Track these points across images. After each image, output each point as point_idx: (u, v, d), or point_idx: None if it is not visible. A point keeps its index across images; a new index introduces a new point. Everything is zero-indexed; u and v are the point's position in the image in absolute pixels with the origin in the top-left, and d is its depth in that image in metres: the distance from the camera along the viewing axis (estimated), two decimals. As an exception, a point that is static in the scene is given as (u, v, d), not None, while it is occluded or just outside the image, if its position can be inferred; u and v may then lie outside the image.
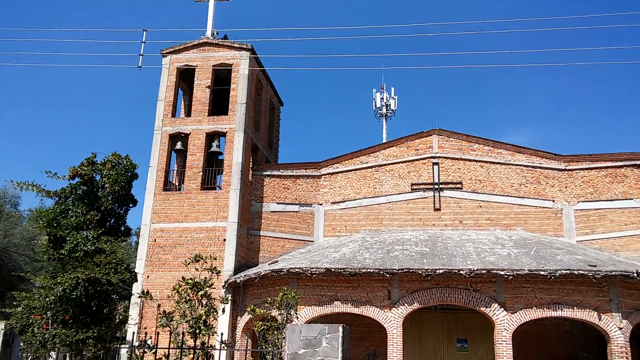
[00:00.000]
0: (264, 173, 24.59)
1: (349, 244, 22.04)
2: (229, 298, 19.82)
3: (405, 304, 18.85)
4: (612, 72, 68.64)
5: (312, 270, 18.94)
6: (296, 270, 19.13)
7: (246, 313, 19.99)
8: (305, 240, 24.08)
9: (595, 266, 18.05)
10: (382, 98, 41.42)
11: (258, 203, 24.09)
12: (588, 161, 23.10)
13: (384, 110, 41.28)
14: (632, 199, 22.18)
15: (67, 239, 16.71)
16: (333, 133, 77.84)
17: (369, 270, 18.63)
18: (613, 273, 17.61)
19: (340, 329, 9.48)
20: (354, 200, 24.42)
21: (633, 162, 22.39)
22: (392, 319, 18.74)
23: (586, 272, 17.57)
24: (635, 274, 17.60)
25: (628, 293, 18.38)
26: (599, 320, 17.89)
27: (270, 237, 23.73)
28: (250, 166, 24.55)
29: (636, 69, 68.20)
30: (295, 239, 23.96)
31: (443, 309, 21.87)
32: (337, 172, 24.96)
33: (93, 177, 17.37)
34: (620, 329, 17.72)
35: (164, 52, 25.18)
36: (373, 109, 41.93)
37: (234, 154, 23.14)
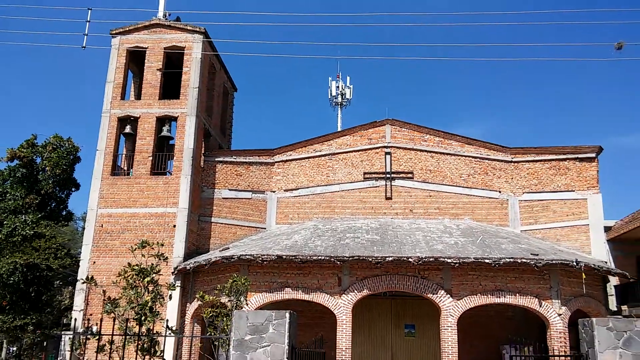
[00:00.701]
0: (217, 159, 24.28)
1: (301, 232, 22.09)
2: (177, 285, 19.59)
3: (355, 291, 19.08)
4: (558, 69, 70.96)
5: (263, 257, 18.90)
6: (247, 257, 19.05)
7: (195, 300, 19.79)
8: (258, 228, 23.98)
9: (537, 255, 18.71)
10: (338, 87, 41.47)
11: (210, 189, 23.80)
12: (533, 154, 23.85)
13: (339, 99, 41.37)
14: (573, 190, 23.04)
15: (5, 222, 16.09)
16: (288, 121, 77.60)
17: (320, 257, 18.74)
18: (554, 262, 18.31)
19: (287, 315, 9.52)
20: (307, 188, 24.46)
21: (575, 156, 23.24)
22: (342, 306, 18.94)
23: (529, 261, 18.19)
24: (574, 263, 18.34)
25: (567, 281, 19.15)
26: (540, 306, 18.58)
27: (222, 223, 23.52)
28: (202, 152, 24.20)
29: (584, 67, 70.71)
30: (248, 226, 23.83)
31: (392, 295, 22.25)
32: (291, 160, 24.91)
33: (33, 160, 16.73)
34: (560, 315, 18.46)
35: (113, 32, 24.41)
36: (328, 98, 41.99)
37: (186, 139, 22.75)
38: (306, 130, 78.30)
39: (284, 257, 18.86)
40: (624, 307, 21.34)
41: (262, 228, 24.02)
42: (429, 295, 18.99)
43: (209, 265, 19.82)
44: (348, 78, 42.37)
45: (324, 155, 24.74)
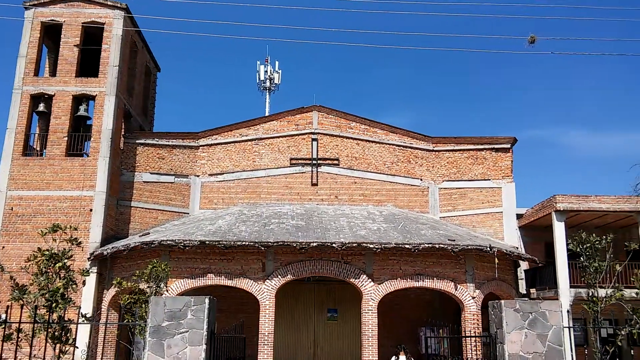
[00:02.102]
0: (138, 141, 23.43)
1: (226, 217, 21.81)
2: (92, 271, 18.86)
3: (279, 276, 19.12)
4: (478, 61, 73.77)
5: (185, 242, 18.52)
6: (168, 242, 18.60)
7: (113, 286, 19.12)
8: (180, 212, 23.44)
9: (454, 241, 19.48)
10: (267, 71, 41.03)
11: (130, 172, 22.96)
12: (453, 143, 24.72)
13: (268, 83, 40.96)
14: (489, 179, 24.12)
15: None
16: (214, 104, 76.01)
17: (244, 243, 18.60)
18: (469, 247, 19.12)
19: (207, 300, 9.36)
20: (233, 172, 24.13)
21: (492, 146, 24.31)
22: (265, 291, 18.93)
23: (446, 246, 18.90)
24: (488, 248, 19.25)
25: (481, 265, 20.08)
26: (456, 290, 19.38)
27: (143, 208, 22.79)
28: (123, 133, 23.27)
29: (504, 60, 73.90)
30: (170, 211, 23.23)
31: (316, 280, 22.48)
32: (216, 144, 24.45)
33: None
34: (474, 298, 19.35)
35: (27, 4, 22.88)
36: (257, 82, 41.50)
37: (104, 120, 21.77)
38: (233, 115, 77.00)
39: (207, 242, 18.56)
40: (533, 290, 22.70)
41: (185, 213, 23.50)
42: (351, 280, 19.34)
43: (127, 251, 19.18)
44: (277, 63, 42.03)
45: (251, 140, 24.48)
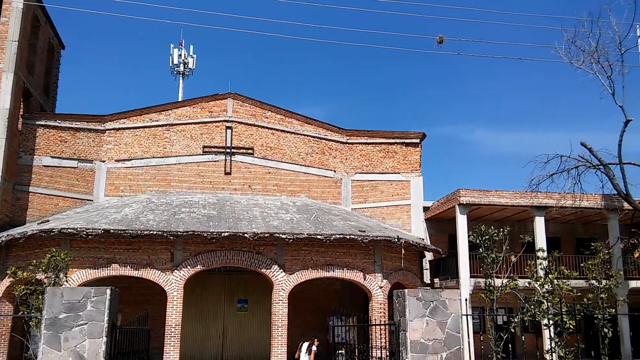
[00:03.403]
0: (38, 122, 21.96)
1: (133, 205, 21.00)
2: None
3: (189, 267, 18.70)
4: (393, 58, 75.86)
5: (88, 231, 17.64)
6: (70, 230, 17.64)
7: (7, 277, 17.87)
8: (84, 199, 22.28)
9: (364, 232, 19.93)
10: (180, 55, 39.82)
11: (28, 155, 21.50)
12: (366, 136, 25.24)
13: (182, 68, 39.79)
14: (399, 172, 24.89)
15: None
16: (123, 86, 72.71)
17: (152, 232, 18.01)
18: (378, 238, 19.65)
19: (108, 291, 8.98)
20: (142, 159, 23.24)
21: (402, 140, 25.08)
22: (173, 282, 18.46)
23: (356, 237, 19.30)
24: (396, 239, 19.87)
25: (390, 256, 20.70)
26: (364, 280, 19.86)
27: (42, 194, 21.43)
28: (21, 113, 21.71)
29: (415, 57, 76.38)
30: (72, 198, 22.02)
31: (227, 271, 22.22)
32: (124, 128, 23.43)
33: None
34: (381, 287, 19.92)
35: None
36: (170, 66, 40.19)
37: (1, 98, 20.19)
38: (144, 99, 74.03)
39: (111, 231, 17.79)
40: (436, 280, 23.73)
41: (89, 200, 22.37)
42: (262, 270, 19.28)
43: (24, 239, 17.98)
44: (191, 47, 40.91)
45: (162, 126, 23.68)
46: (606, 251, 19.03)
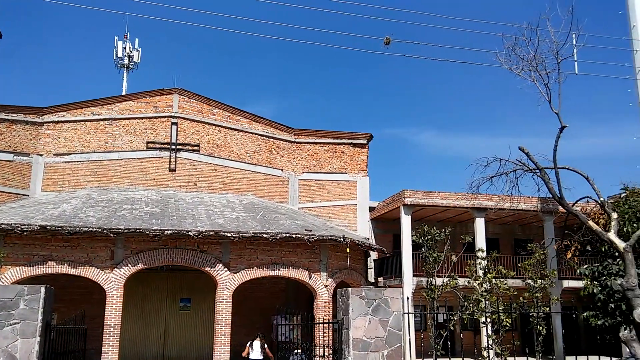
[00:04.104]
0: (-30, 113, 20.85)
1: (72, 201, 20.27)
2: None
3: (129, 265, 18.21)
4: (342, 58, 76.44)
5: (23, 227, 16.90)
6: (3, 226, 16.85)
7: None
8: (19, 194, 21.31)
9: (310, 231, 19.98)
10: (125, 48, 38.74)
11: (-41, 147, 20.39)
12: (314, 136, 25.33)
13: (126, 61, 38.70)
14: (346, 173, 25.11)
15: None
16: (64, 78, 70.05)
17: (91, 229, 17.43)
18: (324, 237, 19.74)
19: (43, 289, 8.63)
20: (82, 153, 22.45)
21: (350, 141, 25.31)
22: (113, 280, 17.93)
23: (302, 236, 19.32)
24: (341, 239, 20.01)
25: (335, 255, 20.84)
26: (310, 278, 19.91)
27: (-27, 188, 20.36)
28: (-48, 103, 20.58)
29: (365, 58, 77.31)
30: (6, 192, 21.01)
31: (170, 269, 21.78)
32: (64, 122, 22.57)
33: None
34: (326, 286, 20.02)
35: None
36: (114, 59, 39.02)
37: None
38: (86, 92, 71.57)
39: (48, 227, 17.11)
40: (380, 279, 24.09)
41: (24, 195, 21.41)
42: (207, 269, 19.01)
43: (-48, 235, 17.03)
44: (137, 40, 39.84)
45: (104, 120, 22.95)
46: (541, 252, 19.88)
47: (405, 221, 22.46)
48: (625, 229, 9.73)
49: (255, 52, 74.87)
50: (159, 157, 23.20)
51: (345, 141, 25.29)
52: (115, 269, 18.02)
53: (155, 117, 23.49)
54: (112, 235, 17.70)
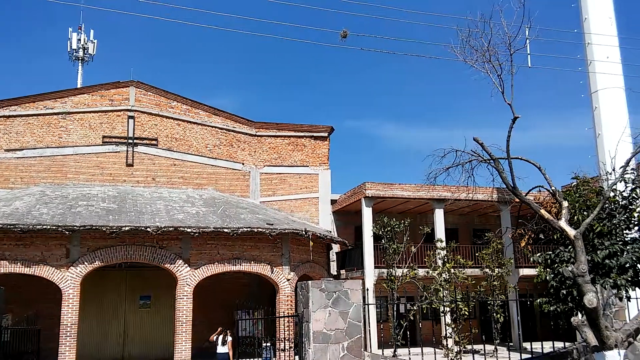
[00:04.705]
0: None
1: (24, 198, 19.63)
2: None
3: (86, 263, 17.78)
4: (303, 51, 76.26)
5: (-29, 226, 16.27)
6: (-50, 225, 16.19)
7: None
8: (-32, 192, 20.51)
9: (272, 225, 19.89)
10: (80, 40, 37.62)
11: None
12: (275, 129, 25.19)
13: (81, 53, 37.60)
14: (308, 166, 25.09)
15: None
16: (15, 71, 67.67)
17: (45, 227, 16.94)
18: (286, 231, 19.68)
19: (-11, 290, 8.32)
20: (35, 149, 21.75)
21: (311, 134, 25.29)
22: (69, 279, 17.48)
23: (264, 230, 19.22)
24: (303, 232, 20.01)
25: (297, 248, 20.82)
26: (272, 273, 19.84)
27: None
28: None
29: (322, 52, 77.37)
30: (-46, 190, 20.21)
31: (128, 266, 21.36)
32: (15, 116, 21.79)
33: None
34: (288, 280, 19.99)
35: None
36: (68, 51, 37.86)
37: None
38: (38, 85, 69.39)
39: (0, 226, 16.53)
40: (343, 271, 24.21)
41: (-26, 193, 20.62)
42: (166, 265, 18.72)
43: None
44: (92, 31, 38.71)
45: (57, 114, 22.26)
46: (498, 241, 20.33)
47: (367, 213, 22.61)
48: (576, 217, 10.01)
49: (214, 44, 73.97)
50: (116, 152, 22.67)
51: (307, 134, 25.25)
52: (71, 267, 17.56)
53: (111, 111, 22.93)
54: (67, 232, 17.23)
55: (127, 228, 17.66)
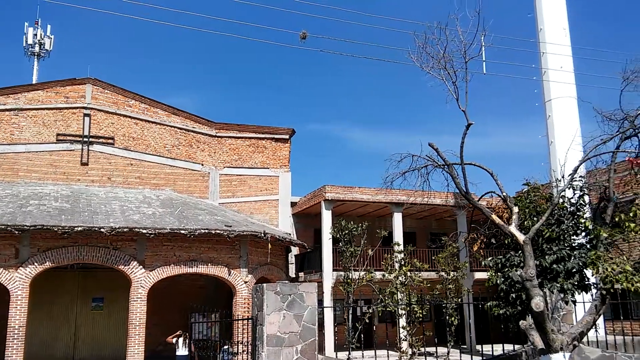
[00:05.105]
0: None
1: (-29, 196, 18.89)
2: None
3: (36, 264, 17.23)
4: (263, 50, 76.17)
5: None
6: None
7: None
8: None
9: (230, 226, 19.72)
10: (36, 35, 36.53)
11: None
12: (236, 130, 25.00)
13: (37, 49, 36.50)
14: (268, 168, 24.99)
15: None
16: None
17: (-7, 226, 16.33)
18: (245, 233, 19.54)
19: None
20: (-16, 145, 20.98)
21: (272, 136, 25.20)
22: (17, 280, 16.90)
23: (222, 232, 19.02)
24: (262, 234, 19.91)
25: (255, 251, 20.69)
26: (229, 275, 19.66)
27: None
28: None
29: (288, 53, 77.37)
30: None
31: (81, 267, 20.83)
32: (-36, 111, 20.98)
33: None
34: (246, 282, 19.84)
35: None
36: (23, 46, 36.70)
37: None
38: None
39: (-57, 224, 15.87)
40: (301, 274, 24.20)
41: None
42: (120, 267, 18.32)
43: None
44: (49, 27, 37.65)
45: (9, 110, 21.52)
46: (454, 245, 20.69)
47: (326, 216, 22.66)
48: (526, 223, 10.25)
49: (175, 43, 72.96)
50: (70, 150, 22.08)
51: (268, 136, 25.15)
52: (20, 268, 16.99)
53: (66, 108, 22.32)
54: (17, 232, 16.66)
55: (79, 228, 17.20)
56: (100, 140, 22.56)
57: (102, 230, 17.43)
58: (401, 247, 21.15)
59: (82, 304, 21.77)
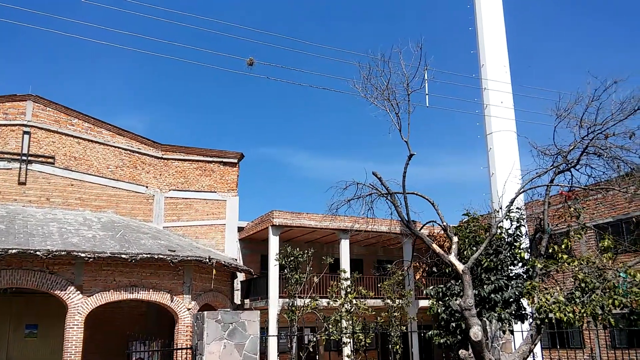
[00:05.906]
0: None
1: None
2: None
3: (-37, 288, 16.27)
4: (212, 75, 75.96)
5: None
6: None
7: None
8: None
9: (174, 251, 19.25)
10: (-24, 48, 35.24)
11: None
12: (183, 153, 24.64)
13: (-24, 62, 35.18)
14: (216, 192, 24.68)
15: None
16: None
17: None
18: (189, 258, 19.11)
19: None
20: None
21: (220, 159, 24.96)
22: (-59, 306, 15.90)
23: (165, 257, 18.54)
24: (207, 259, 19.52)
25: (200, 276, 20.24)
26: (171, 301, 19.11)
27: None
28: None
29: (237, 78, 77.42)
30: None
31: (14, 292, 19.78)
32: None
33: None
34: (189, 309, 19.34)
35: None
36: (-38, 58, 35.27)
37: None
38: None
39: None
40: (247, 301, 23.83)
41: None
42: (56, 292, 17.51)
43: None
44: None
45: (-58, 126, 20.52)
46: (400, 273, 20.91)
47: (273, 242, 22.49)
48: (465, 252, 10.49)
49: (122, 64, 71.63)
50: (7, 169, 21.16)
51: (216, 159, 24.90)
52: (-55, 293, 16.01)
53: (4, 125, 21.45)
54: (-58, 255, 15.73)
55: (14, 251, 16.40)
56: (40, 159, 21.74)
57: (37, 253, 16.68)
58: (347, 274, 21.20)
59: (14, 330, 20.64)
